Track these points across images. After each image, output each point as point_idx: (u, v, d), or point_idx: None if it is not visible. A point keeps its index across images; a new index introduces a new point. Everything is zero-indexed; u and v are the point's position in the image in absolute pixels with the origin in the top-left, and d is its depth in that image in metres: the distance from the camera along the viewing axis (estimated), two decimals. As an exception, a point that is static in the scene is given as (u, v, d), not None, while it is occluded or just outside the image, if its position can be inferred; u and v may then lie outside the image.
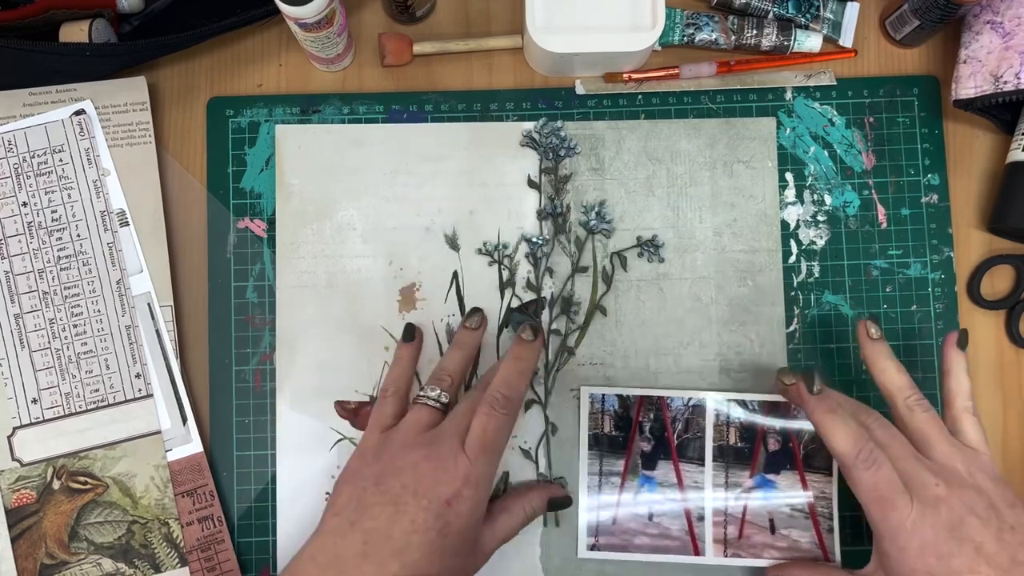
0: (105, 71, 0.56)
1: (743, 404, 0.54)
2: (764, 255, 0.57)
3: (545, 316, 0.56)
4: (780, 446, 0.54)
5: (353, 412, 0.55)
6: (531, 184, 0.56)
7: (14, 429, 0.54)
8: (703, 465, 0.54)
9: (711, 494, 0.54)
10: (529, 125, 0.57)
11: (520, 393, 0.49)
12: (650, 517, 0.54)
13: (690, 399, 0.55)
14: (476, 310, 0.53)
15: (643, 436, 0.54)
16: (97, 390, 0.54)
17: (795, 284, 0.57)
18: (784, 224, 0.57)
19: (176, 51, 0.56)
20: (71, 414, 0.54)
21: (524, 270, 0.56)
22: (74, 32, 0.53)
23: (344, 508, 0.45)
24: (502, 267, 0.56)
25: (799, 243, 0.57)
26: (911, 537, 0.44)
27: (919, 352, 0.56)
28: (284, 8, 0.49)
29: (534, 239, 0.56)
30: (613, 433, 0.54)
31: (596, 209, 0.56)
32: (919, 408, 0.48)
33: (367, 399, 0.55)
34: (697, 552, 0.53)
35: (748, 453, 0.54)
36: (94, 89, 0.56)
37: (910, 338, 0.56)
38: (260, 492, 0.55)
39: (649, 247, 0.56)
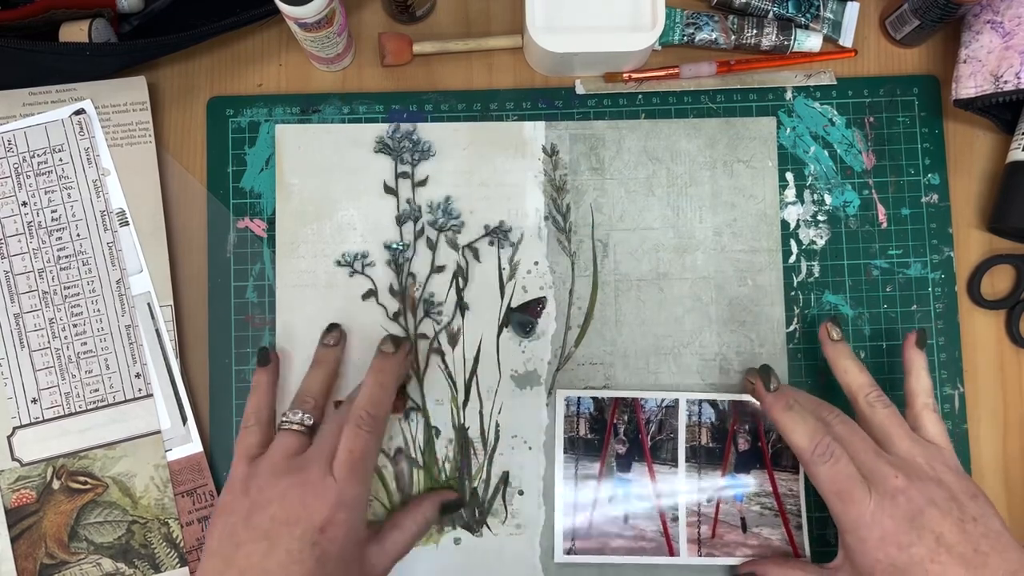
0: (105, 71, 0.56)
1: (714, 404, 0.55)
2: (764, 255, 0.57)
3: (410, 321, 0.56)
4: (750, 446, 0.54)
5: (353, 412, 0.55)
6: (387, 190, 0.56)
7: (14, 429, 0.54)
8: (676, 466, 0.54)
9: (685, 495, 0.54)
10: (532, 125, 0.57)
11: (385, 409, 0.49)
12: (625, 519, 0.54)
13: (663, 400, 0.55)
14: (334, 326, 0.54)
15: (617, 438, 0.54)
16: (97, 390, 0.54)
17: (795, 284, 0.57)
18: (784, 224, 0.57)
19: (176, 51, 0.56)
20: (71, 414, 0.54)
21: (523, 270, 0.56)
22: (74, 32, 0.53)
23: (218, 549, 0.44)
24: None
25: (799, 243, 0.57)
26: (871, 528, 0.44)
27: (919, 352, 0.56)
28: (284, 8, 0.49)
29: (395, 245, 0.56)
30: (588, 436, 0.54)
31: (442, 206, 0.56)
32: (880, 404, 0.48)
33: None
34: (672, 553, 0.53)
35: (720, 453, 0.54)
36: (94, 89, 0.56)
37: (910, 338, 0.56)
38: (260, 492, 0.55)
39: (497, 234, 0.56)
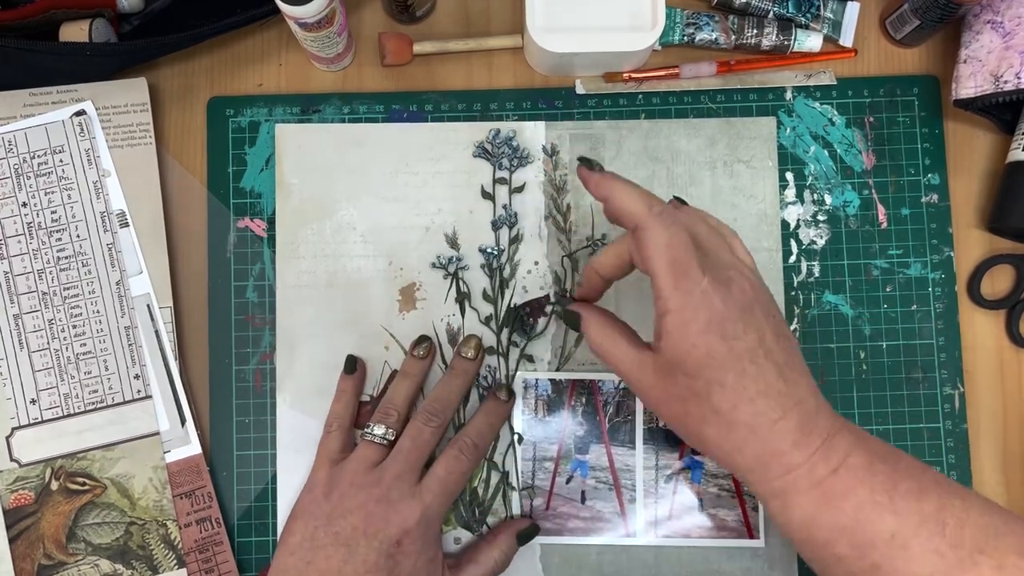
0: (105, 71, 0.56)
1: None
2: (764, 255, 0.57)
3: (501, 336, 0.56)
4: None
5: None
6: (484, 195, 0.56)
7: (12, 430, 0.54)
8: (634, 448, 0.54)
9: (642, 476, 0.54)
10: (540, 126, 0.57)
11: (487, 445, 0.52)
12: (583, 500, 0.54)
13: (620, 382, 0.55)
14: (424, 338, 0.54)
15: (575, 420, 0.55)
16: (96, 391, 0.54)
17: (795, 284, 0.57)
18: (784, 224, 0.57)
19: (176, 51, 0.56)
20: (70, 415, 0.54)
21: (523, 270, 0.56)
22: (74, 32, 0.53)
23: (298, 548, 0.46)
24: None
25: (799, 243, 0.57)
26: (698, 309, 0.39)
27: (919, 352, 0.56)
28: (284, 8, 0.49)
29: (489, 249, 0.56)
30: (546, 418, 0.55)
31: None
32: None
33: (367, 399, 0.55)
34: (629, 533, 0.54)
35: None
36: (94, 90, 0.56)
37: (910, 338, 0.56)
38: (260, 492, 0.55)
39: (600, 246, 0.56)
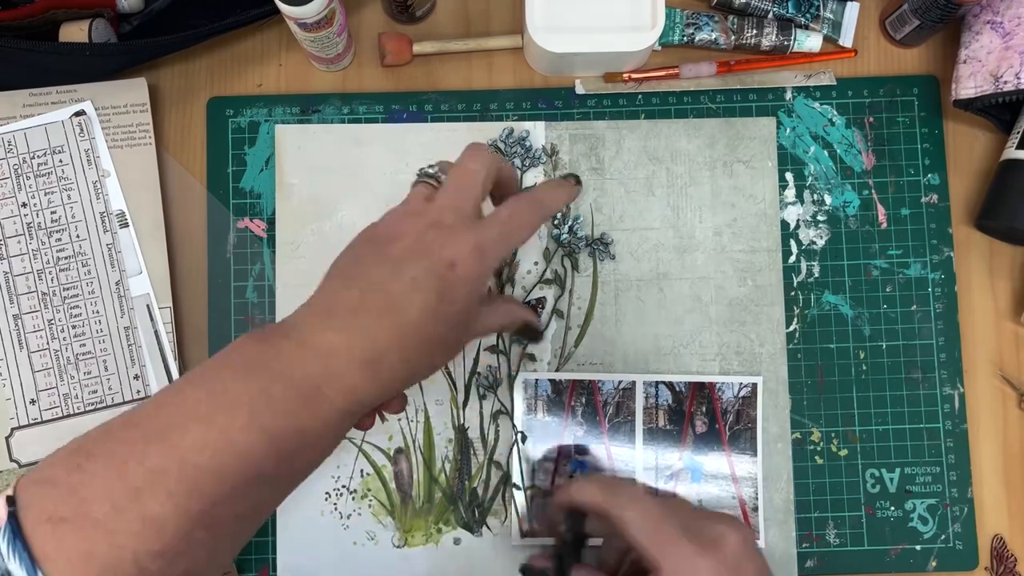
0: (105, 71, 0.56)
1: (671, 387, 0.55)
2: (764, 255, 0.57)
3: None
4: (707, 428, 0.55)
5: (353, 412, 0.55)
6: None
7: (12, 430, 0.54)
8: (633, 448, 0.55)
9: (642, 477, 0.54)
10: (532, 125, 0.57)
11: (553, 211, 0.46)
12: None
13: (620, 383, 0.55)
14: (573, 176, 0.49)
15: (575, 421, 0.55)
16: (95, 391, 0.54)
17: (795, 284, 0.57)
18: (784, 224, 0.57)
19: (176, 51, 0.56)
20: (69, 415, 0.54)
21: (523, 269, 0.56)
22: (74, 32, 0.53)
23: (342, 268, 0.42)
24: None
25: (799, 243, 0.57)
26: (693, 572, 0.41)
27: (919, 352, 0.56)
28: (284, 8, 0.49)
29: None
30: (546, 418, 0.55)
31: (568, 224, 0.56)
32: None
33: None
34: None
35: (677, 435, 0.55)
36: (94, 90, 0.56)
37: (910, 338, 0.56)
38: (259, 493, 0.55)
39: (599, 245, 0.56)
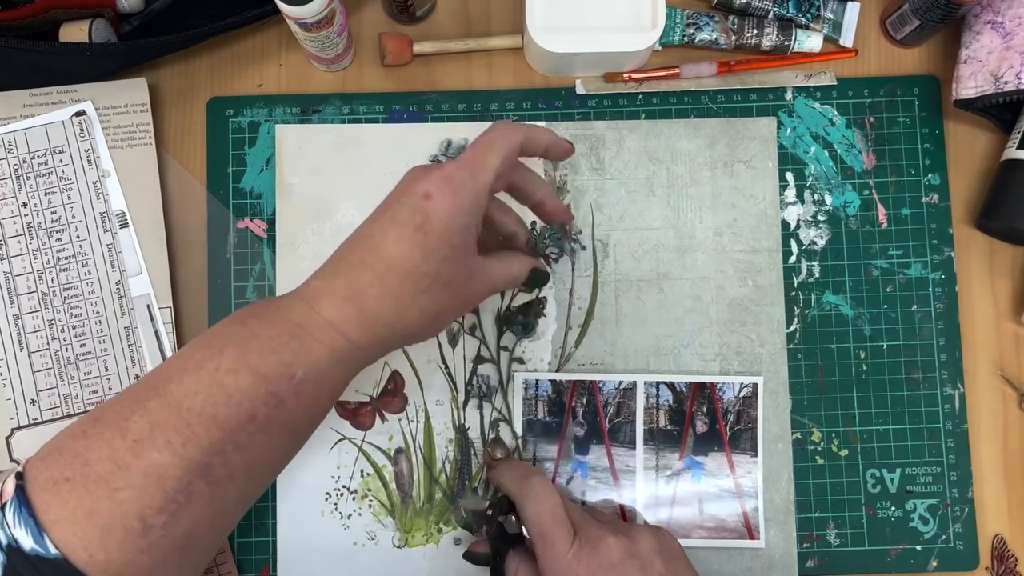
0: (105, 71, 0.56)
1: (672, 387, 0.55)
2: (764, 255, 0.57)
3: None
4: (708, 428, 0.55)
5: (353, 412, 0.55)
6: None
7: (12, 430, 0.54)
8: (634, 448, 0.54)
9: (642, 477, 0.54)
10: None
11: (533, 140, 0.44)
12: (583, 502, 0.54)
13: (621, 383, 0.55)
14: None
15: (576, 421, 0.55)
16: (95, 392, 0.54)
17: (795, 284, 0.57)
18: (784, 224, 0.57)
19: (176, 51, 0.56)
20: (69, 415, 0.54)
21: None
22: (74, 32, 0.53)
23: (351, 232, 0.43)
24: None
25: (799, 243, 0.57)
26: (566, 574, 0.43)
27: (919, 352, 0.56)
28: (284, 8, 0.49)
29: None
30: (547, 419, 0.55)
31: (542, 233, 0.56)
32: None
33: (367, 399, 0.55)
34: None
35: (677, 436, 0.55)
36: (94, 90, 0.56)
37: (910, 338, 0.56)
38: (260, 493, 0.55)
39: (570, 243, 0.56)
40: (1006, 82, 0.52)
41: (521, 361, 0.55)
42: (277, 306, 0.40)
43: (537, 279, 0.49)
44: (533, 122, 0.44)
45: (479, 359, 0.55)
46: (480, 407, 0.55)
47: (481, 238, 0.43)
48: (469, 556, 0.50)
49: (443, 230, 0.40)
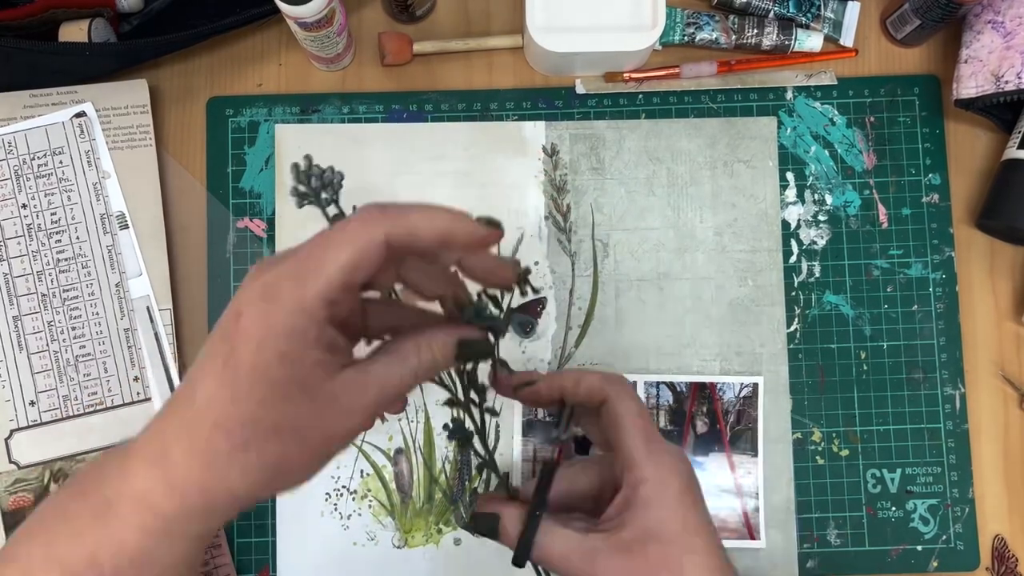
0: (105, 71, 0.56)
1: (672, 387, 0.55)
2: (764, 255, 0.57)
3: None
4: (708, 428, 0.55)
5: (353, 413, 0.55)
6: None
7: (11, 431, 0.53)
8: None
9: None
10: (532, 125, 0.57)
11: (409, 227, 0.31)
12: None
13: None
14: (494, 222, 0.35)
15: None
16: (95, 393, 0.54)
17: (796, 284, 0.57)
18: (785, 224, 0.57)
19: (176, 51, 0.56)
20: (69, 417, 0.54)
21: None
22: (74, 32, 0.53)
23: None
24: None
25: (800, 243, 0.57)
26: (671, 476, 0.38)
27: (920, 352, 0.56)
28: (284, 7, 0.49)
29: None
30: (547, 419, 0.55)
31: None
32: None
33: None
34: None
35: (678, 436, 0.55)
36: (95, 91, 0.56)
37: (911, 338, 0.56)
38: (260, 494, 0.54)
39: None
40: (1007, 82, 0.52)
41: (495, 413, 0.45)
42: (99, 470, 0.32)
43: (471, 350, 0.35)
44: (428, 203, 0.32)
45: (448, 402, 0.45)
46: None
47: (377, 324, 0.35)
48: (478, 520, 0.42)
49: (253, 363, 0.30)
